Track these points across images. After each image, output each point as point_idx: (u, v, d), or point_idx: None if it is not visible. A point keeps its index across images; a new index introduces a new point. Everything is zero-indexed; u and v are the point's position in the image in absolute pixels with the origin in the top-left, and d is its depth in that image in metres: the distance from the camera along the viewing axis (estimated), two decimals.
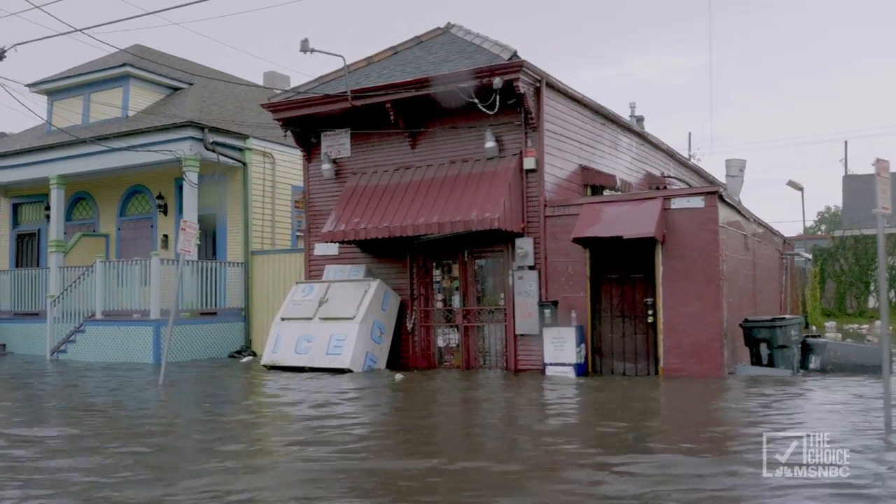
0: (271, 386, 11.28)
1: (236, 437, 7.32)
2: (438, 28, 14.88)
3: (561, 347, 11.72)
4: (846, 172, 38.05)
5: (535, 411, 9.08)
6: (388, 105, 13.04)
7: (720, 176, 21.65)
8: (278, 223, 17.75)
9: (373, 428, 7.86)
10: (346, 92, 13.14)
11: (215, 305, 16.36)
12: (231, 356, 16.03)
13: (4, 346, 17.67)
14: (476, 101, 12.26)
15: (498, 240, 12.71)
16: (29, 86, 18.91)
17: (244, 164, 16.91)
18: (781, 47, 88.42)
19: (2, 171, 18.78)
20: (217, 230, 17.46)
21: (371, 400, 10.08)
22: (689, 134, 61.63)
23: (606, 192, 14.30)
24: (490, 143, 12.60)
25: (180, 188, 17.71)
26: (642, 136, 17.38)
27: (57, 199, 17.71)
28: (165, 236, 18.17)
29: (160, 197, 18.19)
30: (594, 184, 14.11)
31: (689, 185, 18.63)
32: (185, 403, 10.15)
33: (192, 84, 19.15)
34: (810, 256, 25.52)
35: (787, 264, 20.41)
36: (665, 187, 16.94)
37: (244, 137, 16.93)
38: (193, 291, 15.79)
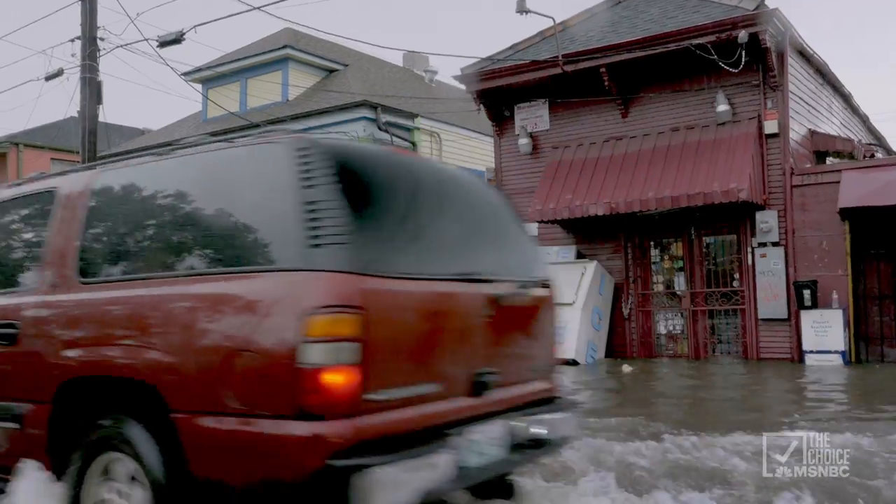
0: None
1: None
2: None
3: (824, 333, 10.35)
4: None
5: None
6: (603, 69, 11.87)
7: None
8: None
9: None
10: (555, 57, 12.04)
11: None
12: None
13: None
14: (716, 58, 10.92)
15: (730, 214, 11.39)
16: (184, 75, 18.50)
17: (413, 143, 16.09)
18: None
19: None
20: None
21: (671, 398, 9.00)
22: None
23: (830, 160, 12.77)
24: (722, 107, 11.29)
25: None
26: (847, 99, 15.67)
27: None
28: None
29: None
30: (825, 149, 12.60)
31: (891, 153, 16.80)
32: None
33: (346, 65, 18.46)
34: None
35: None
36: (873, 155, 15.27)
37: (413, 116, 16.12)
38: None
